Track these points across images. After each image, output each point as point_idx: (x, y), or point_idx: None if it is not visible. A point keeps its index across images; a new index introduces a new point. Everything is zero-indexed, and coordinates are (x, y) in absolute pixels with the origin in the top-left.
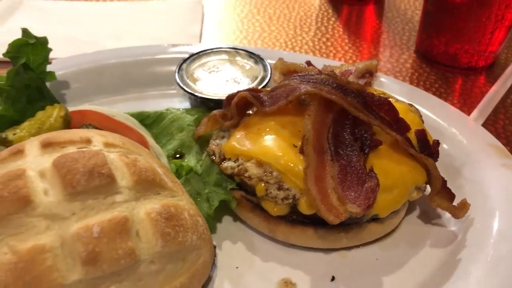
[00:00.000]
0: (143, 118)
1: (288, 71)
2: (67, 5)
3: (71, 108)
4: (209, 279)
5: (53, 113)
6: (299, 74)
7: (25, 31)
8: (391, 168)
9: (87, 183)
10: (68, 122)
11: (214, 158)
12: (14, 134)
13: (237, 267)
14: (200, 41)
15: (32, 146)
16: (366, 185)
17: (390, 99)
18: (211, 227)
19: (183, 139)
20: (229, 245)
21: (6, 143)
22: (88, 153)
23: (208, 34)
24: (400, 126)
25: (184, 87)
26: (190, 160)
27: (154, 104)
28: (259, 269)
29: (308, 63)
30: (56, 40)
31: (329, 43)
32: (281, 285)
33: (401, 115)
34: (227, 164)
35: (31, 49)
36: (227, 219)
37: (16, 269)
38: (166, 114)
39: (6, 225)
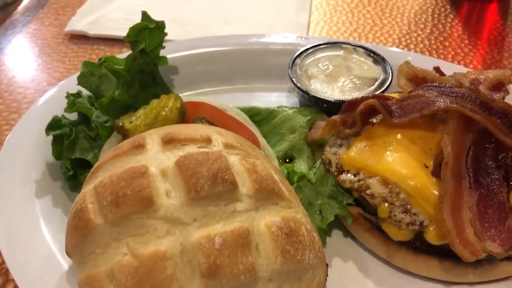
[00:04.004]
0: (253, 114)
1: (415, 76)
2: None
3: (184, 98)
4: None
5: (169, 103)
6: (435, 84)
7: (144, 14)
8: None
9: (210, 188)
10: (183, 114)
11: (330, 167)
12: (130, 123)
13: None
14: (307, 32)
15: (153, 141)
16: (509, 221)
17: None
18: (323, 241)
19: (294, 141)
20: (339, 263)
21: (122, 131)
22: (212, 155)
23: (316, 25)
24: None
25: (298, 85)
26: (301, 165)
27: (261, 97)
28: None
29: (437, 69)
30: (165, 21)
31: (446, 43)
32: None
33: None
34: (345, 177)
35: (148, 33)
36: (337, 233)
37: (137, 274)
38: (277, 112)
39: (127, 224)
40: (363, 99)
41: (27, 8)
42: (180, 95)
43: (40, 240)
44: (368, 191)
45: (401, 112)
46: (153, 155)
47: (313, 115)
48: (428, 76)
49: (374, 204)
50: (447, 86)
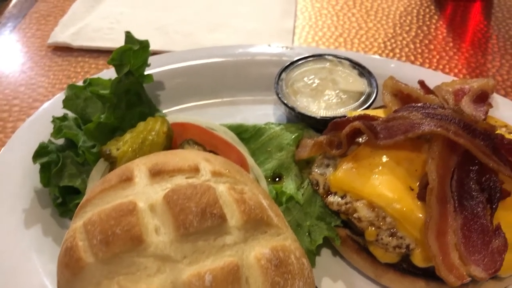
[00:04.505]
0: (241, 132)
1: (400, 92)
2: None
3: (171, 118)
4: None
5: (155, 126)
6: (419, 105)
7: (128, 36)
8: None
9: (199, 224)
10: (170, 138)
11: (317, 188)
12: (118, 149)
13: None
14: (293, 37)
15: (140, 173)
16: (492, 245)
17: None
18: (312, 263)
19: (282, 159)
20: (328, 283)
21: (110, 158)
22: (200, 189)
23: (302, 30)
24: None
25: (285, 101)
26: (289, 184)
27: (248, 111)
28: None
29: (422, 83)
30: (147, 29)
31: (431, 46)
32: None
33: None
34: (333, 199)
35: (132, 54)
36: (326, 252)
37: None
38: (265, 130)
39: (118, 263)
40: (348, 120)
41: (8, 18)
42: (166, 111)
43: (32, 272)
44: (355, 215)
45: (386, 133)
46: (141, 189)
47: (300, 131)
48: (413, 93)
49: (361, 227)
50: (431, 107)
